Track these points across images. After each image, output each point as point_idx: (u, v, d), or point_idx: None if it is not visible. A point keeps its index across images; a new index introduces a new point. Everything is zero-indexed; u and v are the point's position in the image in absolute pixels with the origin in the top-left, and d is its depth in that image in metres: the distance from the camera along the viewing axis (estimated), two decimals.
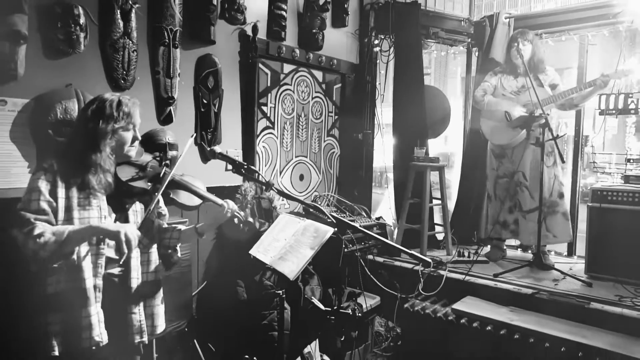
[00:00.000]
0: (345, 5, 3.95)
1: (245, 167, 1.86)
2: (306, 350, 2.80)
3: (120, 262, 1.52)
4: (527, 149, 3.42)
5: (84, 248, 1.54)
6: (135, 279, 1.68)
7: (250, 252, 2.30)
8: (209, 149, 2.79)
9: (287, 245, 2.21)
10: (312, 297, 2.76)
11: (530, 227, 3.42)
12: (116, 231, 1.47)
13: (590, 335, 2.45)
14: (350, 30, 4.12)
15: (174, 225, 1.90)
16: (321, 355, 2.92)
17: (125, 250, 1.46)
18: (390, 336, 3.58)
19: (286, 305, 2.79)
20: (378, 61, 4.27)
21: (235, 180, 3.03)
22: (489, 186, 3.73)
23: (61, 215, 1.51)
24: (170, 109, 2.78)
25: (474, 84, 4.26)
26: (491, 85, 3.61)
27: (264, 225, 2.96)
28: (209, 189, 3.02)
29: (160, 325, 1.79)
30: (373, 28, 4.19)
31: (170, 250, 1.87)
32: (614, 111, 3.50)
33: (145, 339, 1.70)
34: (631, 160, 3.41)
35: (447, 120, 4.41)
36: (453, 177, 4.83)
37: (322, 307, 2.39)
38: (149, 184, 1.70)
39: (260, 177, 1.89)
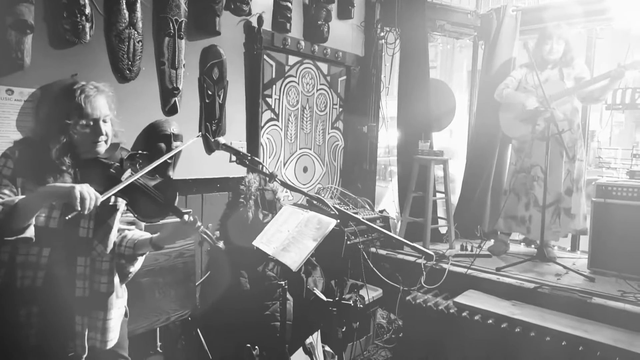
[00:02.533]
0: None
1: (249, 158, 1.85)
2: (308, 340, 2.83)
3: (69, 217, 1.34)
4: (545, 142, 3.38)
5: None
6: (82, 289, 1.53)
7: (254, 243, 2.32)
8: (213, 139, 2.80)
9: (290, 237, 2.23)
10: (314, 288, 2.78)
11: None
12: (70, 186, 1.31)
13: (591, 329, 2.46)
14: (356, 22, 4.10)
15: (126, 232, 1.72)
16: (323, 346, 2.95)
17: (77, 207, 1.29)
18: (392, 328, 3.61)
19: (289, 296, 2.82)
20: (383, 54, 4.25)
21: (240, 171, 3.04)
22: (507, 180, 3.71)
23: None
24: (175, 100, 2.79)
25: (480, 77, 4.24)
26: (515, 80, 3.55)
27: (268, 217, 2.98)
28: (214, 180, 3.09)
29: (112, 340, 1.62)
30: (379, 20, 4.17)
31: (123, 260, 1.67)
32: (620, 106, 3.48)
33: (86, 353, 1.54)
34: (637, 156, 3.40)
35: (452, 113, 4.39)
36: (457, 171, 4.81)
37: (324, 298, 2.41)
38: (106, 187, 1.48)
39: (263, 168, 1.88)
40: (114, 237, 1.63)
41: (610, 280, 3.00)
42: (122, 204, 1.61)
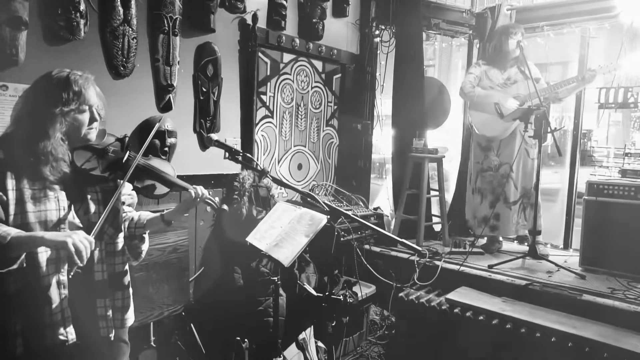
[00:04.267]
0: None
1: (241, 154, 1.88)
2: (301, 336, 2.85)
3: (71, 274, 1.35)
4: (514, 140, 3.46)
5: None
6: (100, 272, 1.56)
7: (247, 239, 2.34)
8: (206, 136, 2.81)
9: (283, 233, 2.25)
10: (305, 284, 2.80)
11: (514, 218, 3.52)
12: (62, 241, 1.27)
13: (580, 325, 2.49)
14: (351, 20, 4.11)
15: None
16: (316, 342, 2.97)
17: (77, 262, 1.28)
18: (385, 325, 3.64)
19: (282, 292, 2.84)
20: (378, 52, 4.27)
21: (234, 168, 3.06)
22: (471, 180, 3.74)
23: (12, 208, 1.36)
24: (169, 97, 2.80)
25: None
26: (476, 77, 3.60)
27: (261, 213, 3.00)
28: (208, 176, 3.11)
29: (130, 318, 1.68)
30: (374, 18, 4.18)
31: (136, 240, 1.74)
32: (613, 105, 3.51)
33: (113, 333, 1.59)
34: (629, 154, 3.42)
35: (447, 112, 4.42)
36: (451, 169, 4.84)
37: (314, 292, 2.43)
38: (109, 170, 1.53)
39: (255, 164, 1.90)
40: (122, 217, 1.67)
41: (601, 277, 3.03)
42: (125, 185, 1.63)
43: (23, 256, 1.35)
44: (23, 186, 1.38)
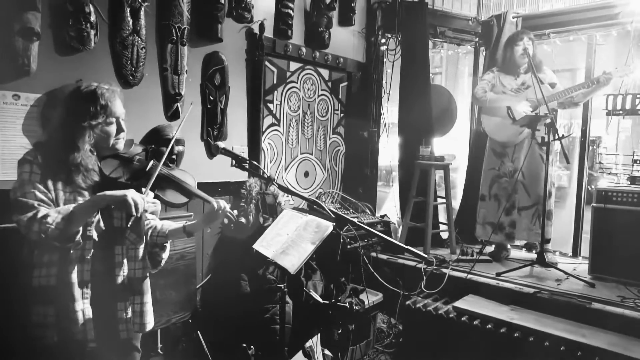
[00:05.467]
0: (352, 4, 3.97)
1: (248, 162, 1.90)
2: (307, 344, 2.84)
3: (130, 223, 1.50)
4: (529, 146, 3.43)
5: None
6: (121, 276, 1.61)
7: (254, 246, 2.35)
8: (213, 143, 2.84)
9: (289, 240, 2.25)
10: (311, 291, 2.80)
11: (524, 224, 3.48)
12: (122, 194, 1.44)
13: (589, 334, 2.46)
14: (357, 28, 4.15)
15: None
16: (323, 350, 2.96)
17: (134, 213, 1.43)
18: (392, 333, 3.61)
19: (288, 299, 2.84)
20: (385, 60, 4.29)
21: (241, 176, 3.08)
22: (485, 186, 3.70)
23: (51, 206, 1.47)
24: (177, 105, 2.84)
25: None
26: (488, 83, 3.61)
27: (268, 221, 3.01)
28: (215, 184, 3.13)
29: (150, 322, 1.72)
30: (380, 27, 4.21)
31: (157, 249, 1.80)
32: (621, 112, 3.49)
33: (133, 336, 1.65)
34: (638, 161, 3.39)
35: (453, 119, 4.42)
36: (459, 177, 4.83)
37: (320, 300, 2.42)
38: (133, 178, 1.61)
39: (262, 172, 1.91)
40: (144, 224, 1.73)
41: (611, 285, 3.00)
42: (148, 193, 1.69)
43: (81, 231, 1.45)
44: (58, 188, 1.49)
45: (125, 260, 1.63)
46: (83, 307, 1.51)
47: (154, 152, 1.71)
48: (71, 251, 1.49)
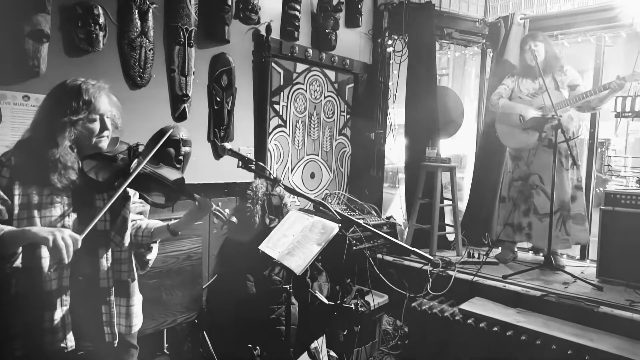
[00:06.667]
0: (359, 6, 3.98)
1: (254, 163, 1.90)
2: (313, 345, 2.84)
3: (51, 270, 1.30)
4: (544, 152, 3.39)
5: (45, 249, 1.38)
6: (106, 280, 1.54)
7: (260, 247, 2.36)
8: (219, 144, 2.85)
9: (295, 241, 2.26)
10: (317, 292, 2.80)
11: (549, 232, 3.38)
12: (43, 237, 1.25)
13: (597, 338, 2.44)
14: (363, 30, 4.15)
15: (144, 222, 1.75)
16: (328, 351, 2.96)
17: (65, 258, 1.25)
18: (397, 335, 3.60)
19: (294, 300, 2.84)
20: (391, 61, 4.28)
21: (247, 177, 3.09)
22: (504, 188, 3.72)
23: (17, 213, 1.37)
24: (184, 106, 2.86)
25: (488, 85, 4.25)
26: (508, 88, 3.60)
27: (274, 222, 3.02)
28: (222, 185, 3.14)
29: (137, 325, 1.66)
30: (387, 28, 4.21)
31: (142, 249, 1.73)
32: (630, 114, 3.46)
33: (117, 339, 1.58)
34: None
35: (460, 121, 4.40)
36: (465, 178, 4.81)
37: (326, 301, 2.42)
38: (116, 177, 1.50)
39: (268, 173, 1.91)
40: (129, 226, 1.65)
41: (619, 289, 2.97)
42: (133, 193, 1.64)
43: (20, 254, 1.34)
44: (31, 192, 1.40)
45: (109, 264, 1.56)
46: (62, 314, 1.43)
47: (136, 150, 1.58)
48: (42, 257, 1.39)
